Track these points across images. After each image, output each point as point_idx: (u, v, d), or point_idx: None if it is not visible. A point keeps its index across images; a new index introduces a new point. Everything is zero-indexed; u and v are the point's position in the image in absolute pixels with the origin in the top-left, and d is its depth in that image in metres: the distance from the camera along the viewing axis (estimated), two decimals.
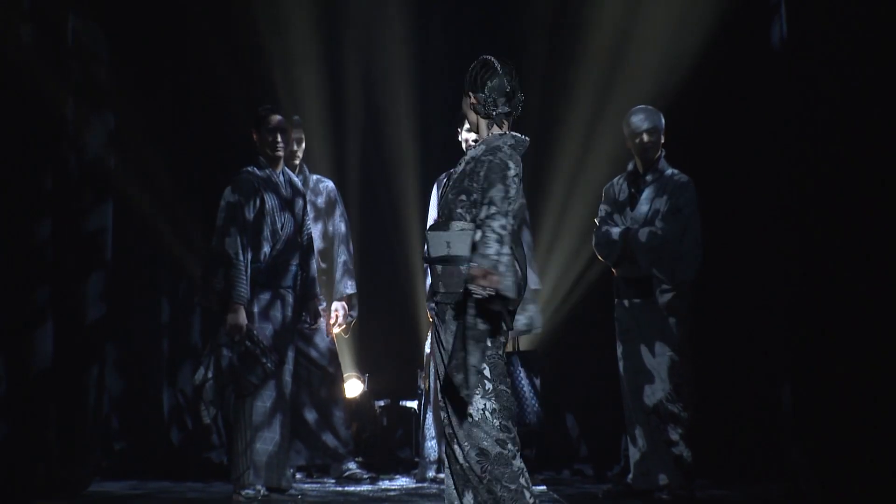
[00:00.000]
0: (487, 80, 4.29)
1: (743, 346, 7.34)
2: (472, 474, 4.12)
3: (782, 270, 6.14)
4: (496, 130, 4.33)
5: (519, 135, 4.35)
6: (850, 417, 5.57)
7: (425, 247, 4.30)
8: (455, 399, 4.12)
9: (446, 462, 4.27)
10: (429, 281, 7.00)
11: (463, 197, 4.21)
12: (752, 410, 7.24)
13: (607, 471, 7.53)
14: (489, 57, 4.35)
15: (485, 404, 4.12)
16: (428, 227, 4.44)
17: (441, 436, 6.89)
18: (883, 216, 5.52)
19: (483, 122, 4.34)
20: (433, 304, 4.35)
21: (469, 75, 4.36)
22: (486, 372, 4.14)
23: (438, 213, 4.36)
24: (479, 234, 4.07)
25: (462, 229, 4.19)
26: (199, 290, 6.31)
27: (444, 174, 7.11)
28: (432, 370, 6.97)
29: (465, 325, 4.05)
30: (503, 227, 4.06)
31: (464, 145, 6.60)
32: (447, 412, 4.19)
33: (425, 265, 7.08)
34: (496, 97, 4.29)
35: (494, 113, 4.30)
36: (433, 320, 4.39)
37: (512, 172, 4.16)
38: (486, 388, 4.14)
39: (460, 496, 4.18)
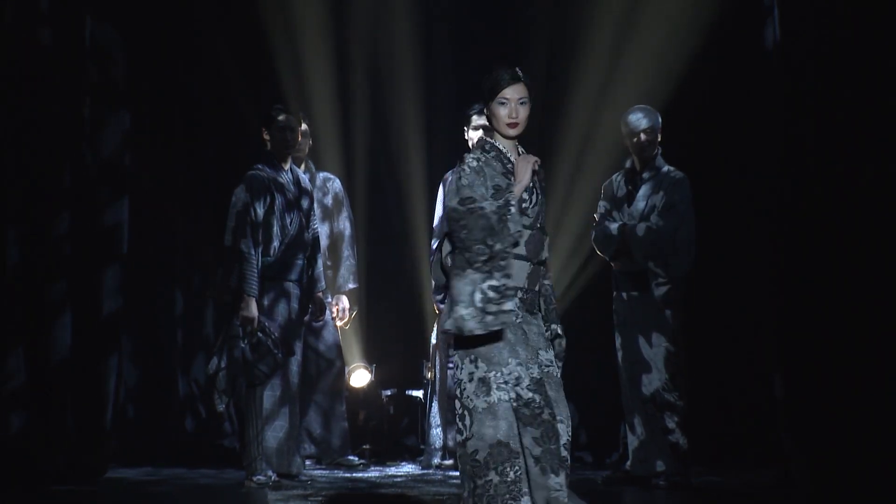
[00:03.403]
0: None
1: (736, 336, 7.39)
2: (468, 461, 4.15)
3: (773, 263, 6.17)
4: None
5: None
6: (841, 405, 5.60)
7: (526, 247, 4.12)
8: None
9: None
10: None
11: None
12: (746, 399, 7.29)
13: (606, 458, 7.58)
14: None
15: (499, 396, 4.12)
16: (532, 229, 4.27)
17: (446, 424, 7.05)
18: (871, 211, 5.57)
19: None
20: (518, 299, 4.18)
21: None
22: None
23: (534, 220, 4.24)
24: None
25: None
26: (217, 288, 6.40)
27: (449, 171, 7.24)
28: (438, 361, 7.15)
29: None
30: None
31: (469, 144, 6.74)
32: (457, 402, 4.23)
33: (431, 258, 7.23)
34: None
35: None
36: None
37: None
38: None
39: (465, 483, 4.26)
